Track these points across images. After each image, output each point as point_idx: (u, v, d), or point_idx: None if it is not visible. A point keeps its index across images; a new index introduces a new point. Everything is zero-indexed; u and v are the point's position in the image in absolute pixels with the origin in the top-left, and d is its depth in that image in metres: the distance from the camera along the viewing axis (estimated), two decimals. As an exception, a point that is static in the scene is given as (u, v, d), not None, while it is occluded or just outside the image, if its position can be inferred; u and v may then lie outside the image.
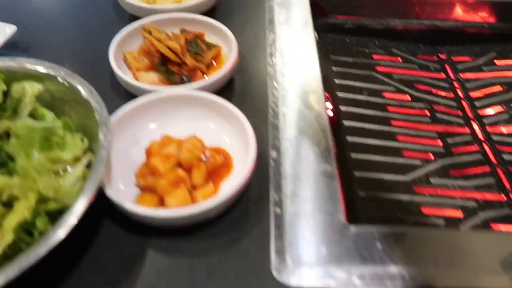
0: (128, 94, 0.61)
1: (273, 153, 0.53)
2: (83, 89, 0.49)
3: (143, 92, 0.57)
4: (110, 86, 0.63)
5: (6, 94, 0.51)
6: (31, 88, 0.50)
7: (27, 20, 0.75)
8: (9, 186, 0.40)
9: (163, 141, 0.50)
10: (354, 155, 0.65)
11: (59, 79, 0.50)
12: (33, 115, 0.50)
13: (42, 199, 0.41)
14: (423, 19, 0.87)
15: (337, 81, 0.77)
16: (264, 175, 0.51)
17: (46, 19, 0.76)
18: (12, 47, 0.70)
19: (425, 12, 0.86)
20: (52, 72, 0.51)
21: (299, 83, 0.64)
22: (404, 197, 0.60)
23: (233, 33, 0.66)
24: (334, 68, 0.79)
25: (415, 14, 0.87)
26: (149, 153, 0.49)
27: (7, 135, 0.49)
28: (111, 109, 0.58)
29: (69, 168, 0.44)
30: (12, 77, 0.51)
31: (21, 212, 0.40)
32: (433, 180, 0.63)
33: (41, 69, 0.51)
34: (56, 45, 0.71)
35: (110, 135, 0.45)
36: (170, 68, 0.60)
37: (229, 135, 0.54)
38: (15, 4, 0.80)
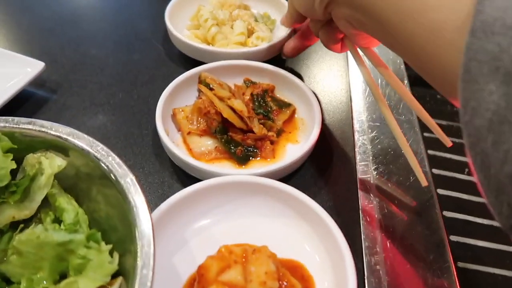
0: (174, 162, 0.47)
1: (372, 279, 0.38)
2: (120, 177, 0.35)
3: (194, 170, 0.43)
4: (153, 148, 0.50)
5: (17, 169, 0.37)
6: (50, 165, 0.36)
7: (58, 56, 0.63)
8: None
9: (222, 256, 0.35)
10: (461, 265, 0.49)
11: (89, 154, 0.37)
12: (47, 199, 0.37)
13: None
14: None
15: (430, 152, 0.61)
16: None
17: (79, 56, 0.63)
18: (39, 85, 0.57)
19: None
20: (80, 144, 0.37)
21: (397, 164, 0.49)
22: None
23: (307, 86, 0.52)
24: (425, 134, 0.64)
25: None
26: (202, 276, 0.34)
27: (13, 225, 0.36)
28: (153, 185, 0.45)
29: (89, 300, 0.30)
30: (27, 144, 0.38)
31: None
32: None
33: (67, 138, 0.38)
34: (91, 86, 0.58)
35: (153, 255, 0.31)
36: (232, 136, 0.46)
37: (309, 240, 0.40)
38: (46, 38, 0.67)
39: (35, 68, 0.54)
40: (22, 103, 0.55)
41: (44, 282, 0.30)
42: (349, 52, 0.65)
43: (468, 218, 0.53)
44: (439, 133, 0.42)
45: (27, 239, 0.30)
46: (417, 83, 0.70)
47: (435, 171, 0.59)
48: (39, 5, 0.74)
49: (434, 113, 0.67)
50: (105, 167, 0.36)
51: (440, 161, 0.60)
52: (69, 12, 0.73)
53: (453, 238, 0.51)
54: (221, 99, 0.47)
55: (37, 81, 0.56)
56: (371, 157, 0.49)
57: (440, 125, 0.66)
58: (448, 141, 0.42)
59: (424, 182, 0.43)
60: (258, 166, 0.46)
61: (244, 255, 0.36)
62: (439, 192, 0.56)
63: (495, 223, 0.53)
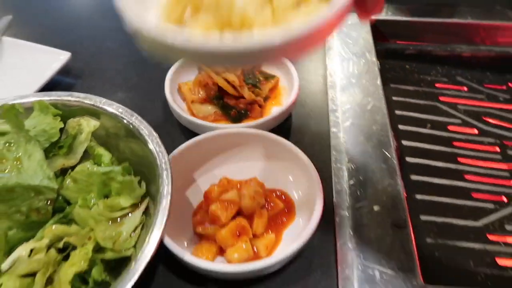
0: (181, 125, 0.59)
1: (338, 199, 0.50)
2: (142, 130, 0.46)
3: (197, 127, 0.55)
4: (163, 116, 0.61)
5: (62, 130, 0.49)
6: (88, 125, 0.48)
7: (80, 46, 0.75)
8: (66, 235, 0.38)
9: (222, 184, 0.47)
10: (419, 197, 0.60)
11: (117, 116, 0.48)
12: (87, 152, 0.49)
13: (99, 249, 0.39)
14: (492, 46, 0.80)
15: (398, 112, 0.72)
16: (328, 222, 0.48)
17: (98, 46, 0.76)
18: (65, 73, 0.69)
19: (494, 38, 0.80)
20: (109, 109, 0.49)
21: (363, 118, 0.60)
22: (477, 245, 0.54)
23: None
24: (394, 98, 0.75)
25: (482, 40, 0.81)
26: (207, 198, 0.46)
27: (62, 172, 0.47)
28: (165, 141, 0.56)
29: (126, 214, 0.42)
30: (68, 112, 0.50)
31: (78, 263, 0.38)
32: (508, 227, 0.57)
33: (98, 105, 0.49)
34: (109, 72, 0.70)
35: (171, 183, 0.42)
36: (227, 101, 0.58)
37: (290, 174, 0.51)
38: (69, 31, 0.80)
39: (63, 57, 0.66)
40: (53, 90, 0.66)
41: (94, 200, 0.41)
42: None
43: (426, 163, 0.64)
44: None
45: (80, 170, 0.42)
46: (386, 57, 0.81)
47: (401, 127, 0.70)
48: (60, 6, 0.87)
49: (403, 81, 0.79)
50: (130, 124, 0.47)
51: (405, 119, 0.71)
52: (85, 11, 0.85)
53: (414, 177, 0.63)
54: (217, 72, 0.58)
55: (64, 70, 0.67)
56: (341, 113, 0.60)
57: (408, 90, 0.77)
58: None
59: None
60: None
61: (238, 184, 0.48)
62: (404, 143, 0.67)
63: (450, 166, 0.64)
